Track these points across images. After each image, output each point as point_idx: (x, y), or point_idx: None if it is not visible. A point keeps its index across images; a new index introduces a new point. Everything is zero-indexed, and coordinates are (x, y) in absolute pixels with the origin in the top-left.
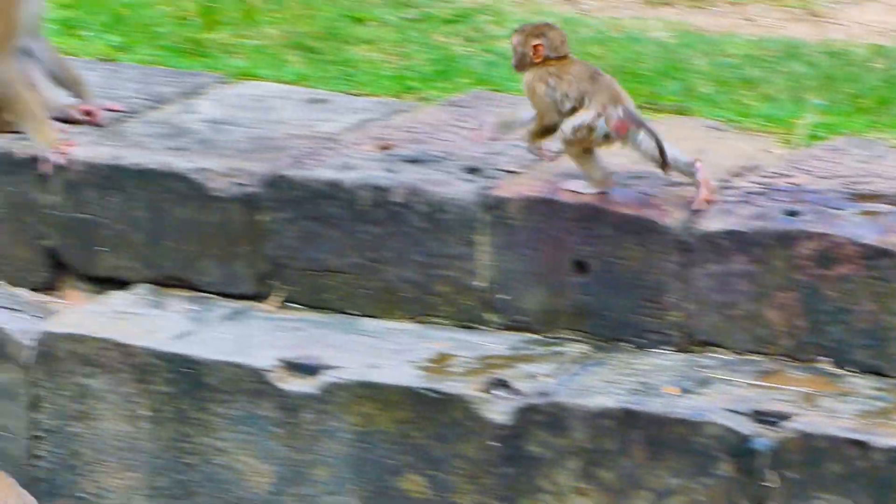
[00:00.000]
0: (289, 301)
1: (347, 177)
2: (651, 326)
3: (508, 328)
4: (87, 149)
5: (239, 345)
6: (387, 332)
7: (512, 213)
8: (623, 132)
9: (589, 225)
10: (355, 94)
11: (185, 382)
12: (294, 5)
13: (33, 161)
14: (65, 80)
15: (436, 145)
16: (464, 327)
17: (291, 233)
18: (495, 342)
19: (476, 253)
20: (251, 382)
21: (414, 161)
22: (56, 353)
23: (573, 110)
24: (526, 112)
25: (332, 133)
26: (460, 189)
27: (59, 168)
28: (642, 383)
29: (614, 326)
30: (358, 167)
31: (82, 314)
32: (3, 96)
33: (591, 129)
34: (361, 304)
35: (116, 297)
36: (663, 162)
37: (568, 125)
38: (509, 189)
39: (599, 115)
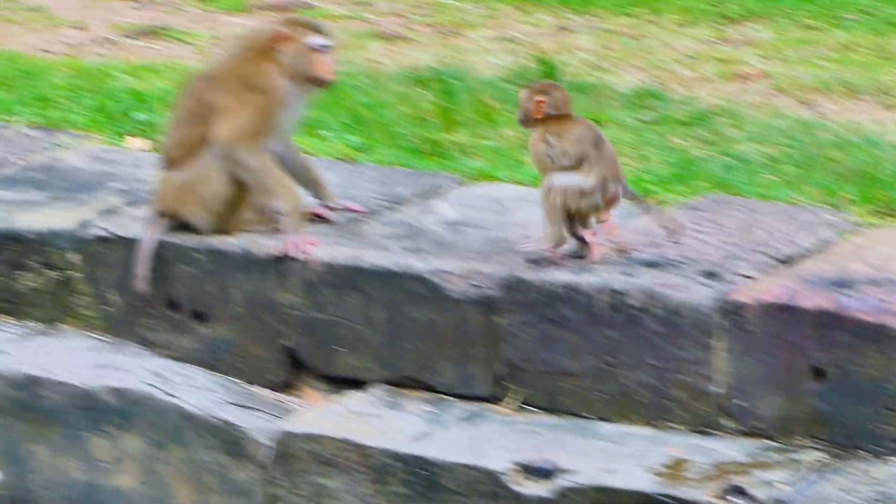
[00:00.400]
0: (525, 403)
1: (585, 280)
2: (891, 435)
3: (744, 434)
4: (326, 249)
5: (475, 447)
6: (622, 436)
7: (749, 319)
8: (612, 208)
9: (827, 331)
10: None
11: (422, 484)
12: None
13: (273, 260)
14: (306, 180)
15: (673, 249)
16: (699, 432)
17: (528, 335)
18: (731, 448)
19: (713, 358)
20: (487, 485)
21: (651, 265)
22: (293, 453)
23: (570, 168)
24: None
25: None
26: (698, 293)
27: (299, 267)
28: (881, 493)
29: (852, 434)
30: (595, 270)
31: (319, 414)
32: (258, 184)
33: (584, 194)
34: (597, 407)
35: (353, 398)
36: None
37: (562, 179)
38: (747, 294)
39: (598, 186)
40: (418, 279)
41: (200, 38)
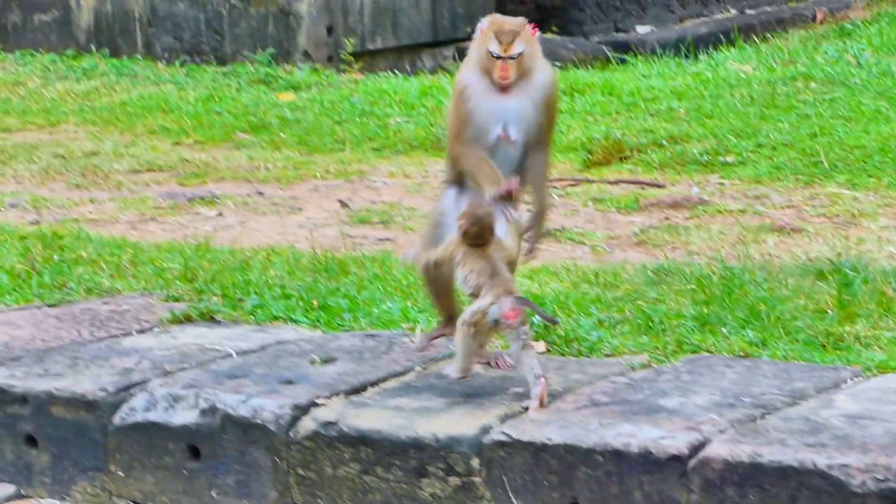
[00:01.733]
0: None
1: None
2: None
3: None
4: (727, 447)
5: None
6: None
7: None
8: (511, 319)
9: None
10: None
11: None
12: None
13: (674, 459)
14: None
15: None
16: None
17: None
18: None
19: None
20: None
21: None
22: None
23: (473, 294)
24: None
25: None
26: None
27: (699, 465)
28: None
29: None
30: None
31: None
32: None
33: (484, 313)
34: None
35: None
36: (552, 322)
37: (468, 310)
38: None
39: (493, 303)
40: (820, 474)
41: (595, 238)
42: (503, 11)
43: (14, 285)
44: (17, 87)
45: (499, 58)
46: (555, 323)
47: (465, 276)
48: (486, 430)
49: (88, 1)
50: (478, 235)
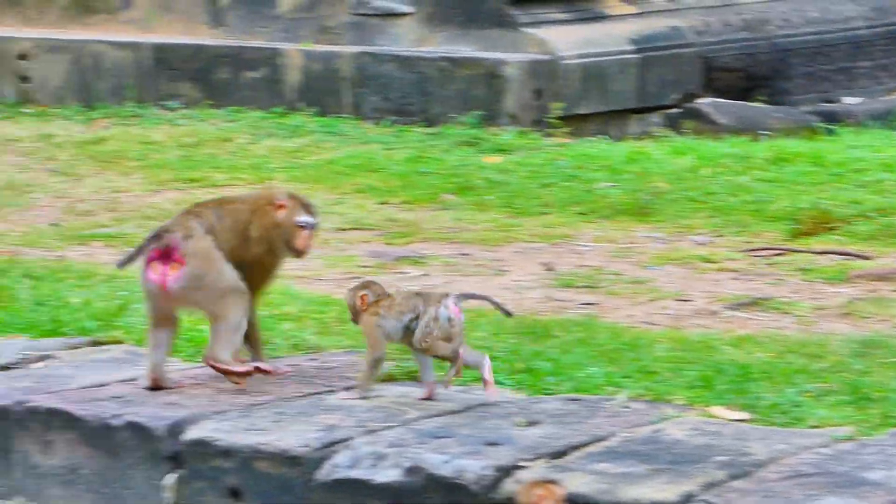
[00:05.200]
0: None
1: None
2: None
3: None
4: None
5: None
6: None
7: None
8: (459, 313)
9: None
10: None
11: None
12: None
13: None
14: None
15: None
16: None
17: None
18: None
19: None
20: None
21: None
22: None
23: (414, 319)
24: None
25: None
26: None
27: None
28: None
29: None
30: None
31: None
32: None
33: (436, 319)
34: None
35: None
36: (504, 312)
37: (419, 329)
38: None
39: (438, 307)
40: None
41: (801, 309)
42: (710, 80)
43: None
44: (226, 143)
45: None
46: (509, 315)
47: (399, 312)
48: (688, 497)
49: (297, 60)
50: (381, 289)
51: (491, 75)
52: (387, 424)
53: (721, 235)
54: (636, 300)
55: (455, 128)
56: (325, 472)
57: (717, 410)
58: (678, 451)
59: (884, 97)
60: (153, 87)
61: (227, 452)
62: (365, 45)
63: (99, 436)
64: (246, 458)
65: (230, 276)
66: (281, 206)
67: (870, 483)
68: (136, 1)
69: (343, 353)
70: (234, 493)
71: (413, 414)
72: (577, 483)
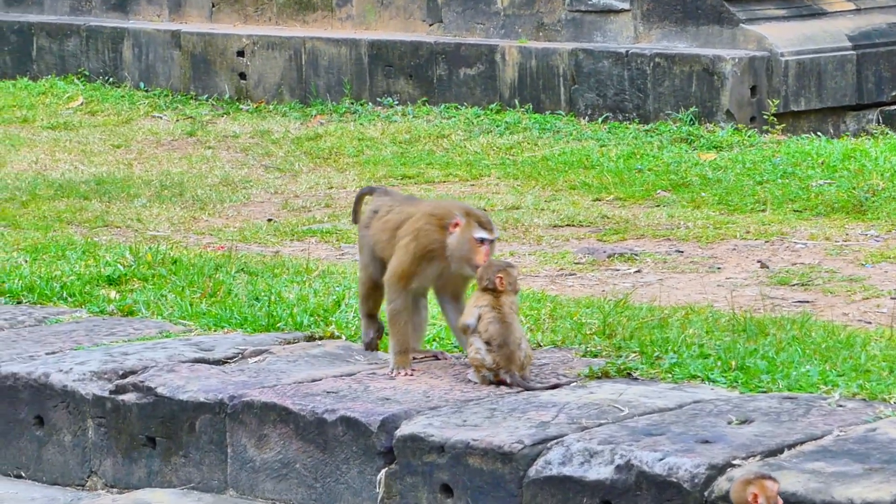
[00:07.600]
0: None
1: None
2: None
3: None
4: None
5: None
6: None
7: None
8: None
9: None
10: None
11: None
12: None
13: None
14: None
15: None
16: None
17: None
18: None
19: None
20: None
21: None
22: None
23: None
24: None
25: None
26: None
27: None
28: None
29: None
30: None
31: None
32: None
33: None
34: None
35: None
36: None
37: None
38: None
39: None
40: None
41: None
42: None
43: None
44: (441, 140)
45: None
46: None
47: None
48: None
49: (513, 56)
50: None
51: (707, 72)
52: (599, 421)
53: None
54: (851, 298)
55: (670, 124)
56: (537, 469)
57: None
58: (893, 450)
59: None
60: (369, 83)
61: (440, 448)
62: (581, 42)
63: (313, 430)
64: (458, 454)
65: None
66: (455, 225)
67: None
68: None
69: (556, 349)
70: (446, 488)
71: (625, 411)
72: (790, 482)
